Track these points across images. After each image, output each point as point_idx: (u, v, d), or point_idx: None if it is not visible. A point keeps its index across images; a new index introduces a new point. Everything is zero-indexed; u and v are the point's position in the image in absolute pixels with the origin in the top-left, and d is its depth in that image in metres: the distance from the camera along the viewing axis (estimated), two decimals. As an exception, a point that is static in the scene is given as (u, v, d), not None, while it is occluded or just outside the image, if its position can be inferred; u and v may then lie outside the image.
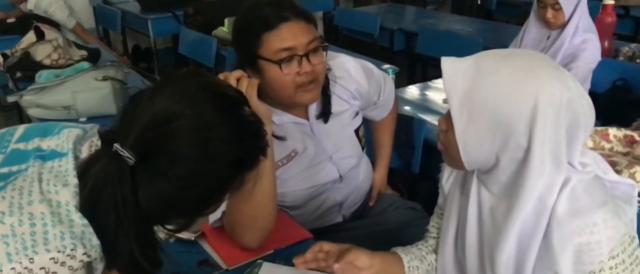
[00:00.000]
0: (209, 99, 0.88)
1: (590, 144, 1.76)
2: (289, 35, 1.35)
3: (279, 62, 1.35)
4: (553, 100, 0.92)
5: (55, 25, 3.62)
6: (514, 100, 0.93)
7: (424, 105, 2.41)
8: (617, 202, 0.99)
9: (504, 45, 2.65)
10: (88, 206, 0.84)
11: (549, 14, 2.28)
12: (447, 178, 1.21)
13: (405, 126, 1.98)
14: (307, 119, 1.53)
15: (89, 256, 0.82)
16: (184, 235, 1.39)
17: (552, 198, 0.97)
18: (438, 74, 3.08)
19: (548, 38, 2.37)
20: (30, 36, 2.83)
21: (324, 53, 1.42)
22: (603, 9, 2.70)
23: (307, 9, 1.43)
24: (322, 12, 5.26)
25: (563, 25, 2.29)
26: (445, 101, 2.40)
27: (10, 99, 2.36)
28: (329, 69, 1.53)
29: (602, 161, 1.06)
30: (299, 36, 1.36)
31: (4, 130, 0.96)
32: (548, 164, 0.95)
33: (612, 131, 1.78)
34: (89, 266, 0.85)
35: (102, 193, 0.84)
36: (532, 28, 2.44)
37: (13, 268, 0.78)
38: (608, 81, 2.40)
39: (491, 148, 0.98)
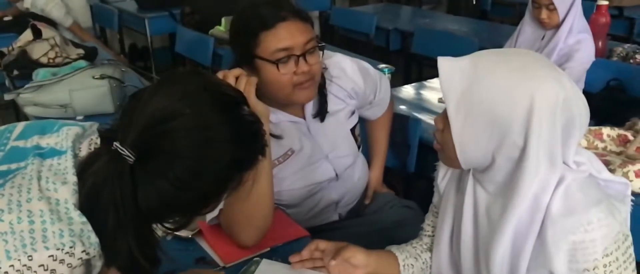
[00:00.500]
0: (209, 98, 0.89)
1: (584, 143, 1.77)
2: (286, 35, 1.36)
3: (276, 62, 1.36)
4: (549, 99, 0.93)
5: (52, 23, 3.62)
6: (510, 99, 0.94)
7: (419, 104, 2.43)
8: (611, 201, 1.01)
9: (499, 45, 2.66)
10: (87, 204, 0.85)
11: (544, 14, 2.29)
12: (443, 177, 1.22)
13: (401, 125, 1.99)
14: (304, 118, 1.54)
15: (87, 253, 0.83)
16: (181, 233, 1.39)
17: (546, 197, 0.98)
18: (433, 74, 3.10)
19: (543, 38, 2.39)
20: (27, 34, 2.82)
21: (321, 53, 1.43)
22: (597, 10, 2.71)
23: (304, 9, 1.44)
24: (318, 11, 5.26)
25: (557, 26, 2.31)
26: (440, 100, 2.44)
27: (7, 97, 2.35)
28: (325, 68, 1.54)
29: (596, 160, 1.07)
30: (296, 36, 1.37)
31: (2, 127, 0.96)
32: (543, 163, 0.96)
33: (606, 131, 1.80)
34: (87, 264, 0.85)
35: (101, 191, 0.84)
36: (526, 28, 2.45)
37: (12, 265, 0.79)
38: (602, 81, 2.41)
39: (487, 147, 0.99)
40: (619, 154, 1.75)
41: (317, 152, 1.56)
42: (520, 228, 1.01)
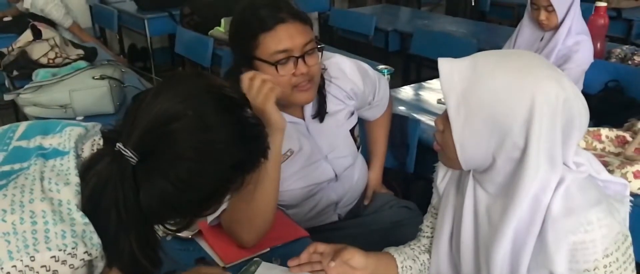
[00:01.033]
0: (212, 101, 0.89)
1: (583, 144, 1.78)
2: (285, 37, 1.36)
3: (275, 64, 1.36)
4: (549, 100, 0.93)
5: (51, 24, 3.62)
6: (510, 100, 0.94)
7: (418, 105, 2.43)
8: (610, 202, 1.01)
9: (498, 46, 2.67)
10: (90, 204, 0.85)
11: (542, 15, 2.30)
12: (442, 178, 1.22)
13: (400, 126, 2.00)
14: (303, 118, 1.54)
15: (89, 254, 0.84)
16: (181, 233, 1.40)
17: (546, 197, 0.98)
18: (432, 75, 3.11)
19: (541, 39, 2.39)
20: (27, 35, 2.83)
21: (320, 54, 1.44)
22: (595, 11, 2.72)
23: (303, 10, 1.44)
24: (317, 12, 5.27)
25: (556, 27, 2.31)
26: (439, 101, 2.45)
27: (7, 97, 2.35)
28: (324, 69, 1.54)
29: (595, 161, 1.07)
30: (295, 37, 1.37)
31: (5, 127, 0.97)
32: (543, 164, 0.96)
33: (604, 132, 1.80)
34: (89, 265, 0.86)
35: (103, 192, 0.85)
36: (525, 29, 2.46)
37: (14, 266, 0.79)
38: (600, 82, 2.42)
39: (487, 148, 0.99)
40: (617, 155, 1.76)
41: (317, 153, 1.57)
42: (521, 229, 1.01)
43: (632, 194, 1.12)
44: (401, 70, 3.97)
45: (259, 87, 1.26)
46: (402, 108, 2.35)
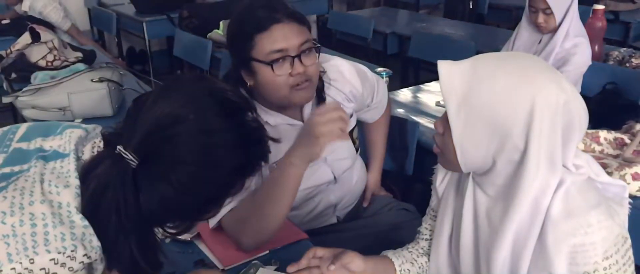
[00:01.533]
0: (213, 104, 0.89)
1: (581, 146, 1.78)
2: (280, 37, 1.36)
3: (271, 63, 1.36)
4: (549, 103, 0.93)
5: (50, 26, 3.62)
6: (511, 103, 0.94)
7: (417, 108, 2.43)
8: (610, 204, 1.01)
9: (496, 49, 2.68)
10: (90, 207, 0.85)
11: (541, 18, 2.30)
12: (441, 180, 1.22)
13: (399, 129, 2.00)
14: (302, 120, 1.54)
15: (89, 257, 0.83)
16: (180, 236, 1.40)
17: (546, 200, 0.98)
18: (431, 78, 3.12)
19: (539, 42, 2.40)
20: (26, 37, 2.83)
21: (317, 54, 1.44)
22: (593, 14, 2.73)
23: (301, 12, 1.44)
24: (315, 15, 5.27)
25: (554, 30, 2.32)
26: (438, 104, 2.45)
27: (5, 100, 2.35)
28: (323, 72, 1.55)
29: (595, 163, 1.07)
30: (291, 38, 1.37)
31: (5, 128, 0.96)
32: (543, 166, 0.96)
33: (603, 134, 1.81)
34: (89, 267, 0.85)
35: (104, 195, 0.85)
36: (523, 32, 2.46)
37: (13, 268, 0.79)
38: (598, 84, 2.42)
39: (488, 151, 0.99)
40: (615, 157, 1.76)
41: (315, 156, 1.56)
42: (521, 231, 1.01)
43: (631, 196, 1.12)
44: (399, 73, 3.97)
45: (334, 118, 1.24)
46: (400, 111, 2.36)
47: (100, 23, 5.03)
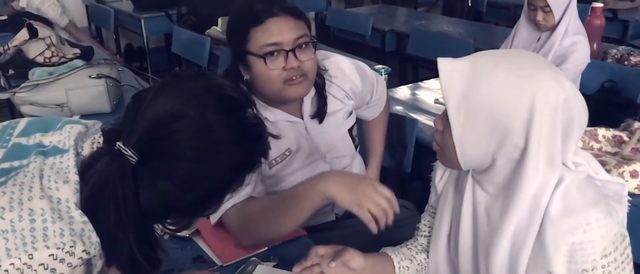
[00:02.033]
0: (213, 101, 0.89)
1: (580, 144, 1.78)
2: (275, 31, 1.36)
3: (264, 56, 1.36)
4: (549, 100, 0.93)
5: (48, 23, 3.61)
6: (511, 101, 0.94)
7: (415, 105, 2.43)
8: (609, 202, 1.01)
9: (495, 46, 2.68)
10: (89, 203, 0.85)
11: (539, 16, 2.31)
12: (440, 177, 1.22)
13: (397, 126, 2.00)
14: (302, 118, 1.54)
15: (88, 253, 0.83)
16: (179, 232, 1.40)
17: (545, 198, 0.98)
18: (429, 75, 3.12)
19: (538, 40, 2.40)
20: (23, 34, 2.82)
21: (314, 50, 1.43)
22: (592, 12, 2.73)
23: (298, 7, 1.44)
24: (314, 12, 5.27)
25: (553, 28, 2.32)
26: (437, 101, 2.45)
27: (3, 96, 2.34)
28: (325, 70, 1.55)
29: (594, 161, 1.07)
30: (286, 32, 1.37)
31: (5, 123, 0.96)
32: (543, 164, 0.96)
33: (601, 132, 1.81)
34: (88, 263, 0.85)
35: (103, 191, 0.84)
36: (522, 30, 2.47)
37: (12, 264, 0.79)
38: (597, 82, 2.43)
39: (487, 148, 0.99)
40: (614, 154, 1.76)
41: (315, 153, 1.56)
42: (520, 229, 1.01)
43: (629, 194, 1.12)
44: (398, 70, 3.97)
45: (384, 205, 1.20)
46: (399, 108, 2.36)
47: (98, 20, 5.02)
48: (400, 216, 1.70)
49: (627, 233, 1.02)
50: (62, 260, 0.81)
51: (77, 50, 2.85)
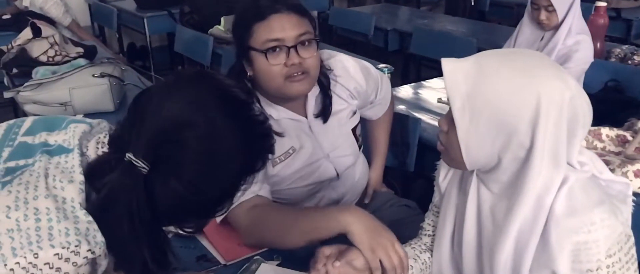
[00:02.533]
0: (220, 105, 0.89)
1: (583, 143, 1.78)
2: (277, 27, 1.37)
3: (265, 52, 1.37)
4: (555, 99, 0.93)
5: (51, 22, 3.61)
6: (516, 100, 0.94)
7: (418, 104, 2.43)
8: (613, 202, 1.01)
9: (498, 45, 2.68)
10: (102, 215, 0.85)
11: (543, 15, 2.30)
12: (444, 177, 1.22)
13: (400, 125, 2.00)
14: (306, 116, 1.54)
15: (93, 252, 0.83)
16: (172, 228, 1.40)
17: (550, 197, 0.98)
18: (432, 74, 3.12)
19: (541, 39, 2.40)
20: (27, 32, 2.82)
21: (316, 47, 1.43)
22: (595, 11, 2.73)
23: (302, 4, 1.44)
24: (316, 11, 5.26)
25: (556, 27, 2.32)
26: (440, 100, 2.44)
27: (7, 94, 2.35)
28: (330, 70, 1.55)
29: (598, 160, 1.07)
30: (288, 29, 1.37)
31: (11, 122, 0.97)
32: (548, 163, 0.96)
33: (605, 131, 1.81)
34: (93, 263, 0.86)
35: (116, 203, 0.85)
36: (525, 29, 2.46)
37: (18, 263, 0.79)
38: (600, 81, 2.42)
39: (493, 148, 0.99)
40: (618, 154, 1.76)
41: (318, 152, 1.56)
42: (524, 228, 1.01)
43: (633, 194, 1.12)
44: (400, 69, 3.97)
45: (396, 263, 1.18)
46: (402, 107, 2.36)
47: (101, 18, 5.03)
48: (404, 215, 1.72)
49: (631, 233, 1.01)
50: (67, 259, 0.81)
51: (80, 49, 2.86)
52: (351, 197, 1.71)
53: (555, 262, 0.98)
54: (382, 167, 1.87)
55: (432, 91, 2.58)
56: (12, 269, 0.79)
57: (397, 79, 3.57)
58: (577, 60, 2.28)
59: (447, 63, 0.99)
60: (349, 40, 4.40)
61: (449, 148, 1.05)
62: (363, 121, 1.77)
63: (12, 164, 0.87)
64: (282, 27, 1.37)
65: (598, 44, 2.64)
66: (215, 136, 0.87)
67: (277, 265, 1.33)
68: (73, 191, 0.85)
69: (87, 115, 2.24)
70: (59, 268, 0.81)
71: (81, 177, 0.86)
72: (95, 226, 0.84)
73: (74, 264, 0.82)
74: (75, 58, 2.71)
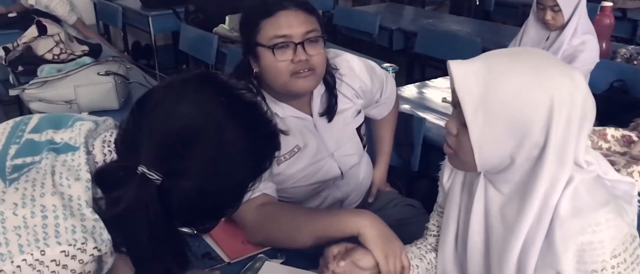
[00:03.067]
0: (227, 109, 0.89)
1: (589, 143, 1.78)
2: (285, 23, 1.38)
3: (273, 47, 1.37)
4: (565, 97, 0.93)
5: (56, 20, 3.62)
6: (530, 99, 0.94)
7: (423, 104, 2.43)
8: (619, 202, 1.00)
9: (503, 45, 2.67)
10: (120, 227, 0.87)
11: (549, 15, 2.30)
12: (448, 177, 1.21)
13: (405, 125, 2.00)
14: (311, 115, 1.54)
15: (99, 250, 0.84)
16: (186, 229, 1.40)
17: (555, 196, 0.98)
18: (436, 74, 3.11)
19: (547, 39, 2.39)
20: (32, 30, 2.83)
21: (323, 45, 1.43)
22: (601, 11, 2.72)
23: (310, 2, 1.45)
24: (321, 11, 5.26)
25: (562, 27, 2.31)
26: (444, 100, 2.44)
27: (12, 92, 2.36)
28: (336, 69, 1.55)
29: (603, 160, 1.07)
30: (296, 26, 1.38)
31: (18, 119, 0.97)
32: (558, 161, 0.96)
33: (610, 131, 1.80)
34: (99, 260, 0.86)
35: (135, 216, 0.86)
36: (531, 29, 2.45)
37: (24, 259, 0.80)
38: (605, 82, 2.42)
39: (506, 149, 0.98)
40: (623, 154, 1.76)
41: (323, 150, 1.56)
42: (530, 228, 1.01)
43: (639, 194, 1.11)
44: (405, 69, 3.97)
45: (397, 256, 1.21)
46: (406, 107, 2.35)
47: (106, 17, 5.04)
48: (408, 214, 1.72)
49: (637, 234, 1.01)
50: (73, 257, 0.82)
51: (86, 48, 2.86)
52: (355, 196, 1.71)
53: (560, 262, 0.98)
54: (387, 166, 1.87)
55: (436, 90, 2.58)
56: (18, 266, 0.79)
57: (402, 79, 3.57)
58: (583, 61, 2.27)
59: (455, 66, 0.98)
60: (354, 39, 4.40)
61: (459, 151, 1.03)
62: (368, 120, 1.77)
63: (19, 161, 0.88)
64: (290, 23, 1.38)
65: (604, 44, 2.63)
66: (225, 141, 0.88)
67: (281, 263, 1.34)
68: (79, 189, 0.85)
69: (92, 113, 2.24)
70: (66, 265, 0.82)
71: (87, 176, 0.87)
72: (101, 223, 0.85)
73: (80, 261, 0.83)
74: (80, 56, 2.71)
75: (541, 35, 2.41)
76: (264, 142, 0.95)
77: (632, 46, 2.88)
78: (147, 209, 0.85)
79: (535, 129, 0.95)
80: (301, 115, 1.52)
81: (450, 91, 1.03)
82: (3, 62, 2.80)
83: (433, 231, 1.32)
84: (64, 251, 0.81)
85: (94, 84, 2.28)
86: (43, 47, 2.71)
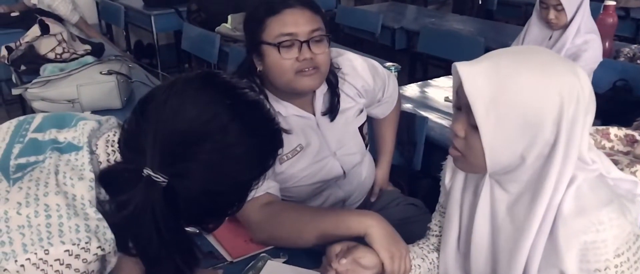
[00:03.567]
0: (231, 109, 0.89)
1: (591, 142, 1.77)
2: (290, 21, 1.38)
3: (278, 45, 1.37)
4: (573, 94, 0.93)
5: (59, 19, 3.63)
6: (541, 99, 0.93)
7: (425, 103, 2.43)
8: (622, 201, 1.00)
9: (506, 44, 2.66)
10: (129, 231, 0.87)
11: (552, 14, 2.29)
12: (450, 177, 1.20)
13: (407, 124, 2.00)
14: (313, 114, 1.54)
15: (103, 249, 0.84)
16: (188, 228, 1.41)
17: (558, 195, 0.97)
18: (439, 73, 3.11)
19: (550, 38, 2.39)
20: (35, 30, 2.84)
21: (328, 44, 1.43)
22: (604, 10, 2.71)
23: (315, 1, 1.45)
24: (324, 10, 5.25)
25: (565, 26, 2.31)
26: (447, 99, 2.44)
27: (15, 91, 2.37)
28: (338, 68, 1.55)
29: (606, 159, 1.07)
30: (301, 24, 1.38)
31: (21, 118, 0.97)
32: (566, 158, 0.96)
33: (613, 130, 1.80)
34: (102, 260, 0.86)
35: (143, 218, 0.86)
36: (534, 28, 2.45)
37: (28, 259, 0.80)
38: (608, 81, 2.42)
39: (518, 149, 0.97)
40: (626, 153, 1.75)
41: (325, 150, 1.56)
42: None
43: (642, 193, 1.11)
44: (407, 68, 3.97)
45: (402, 257, 1.22)
46: (408, 106, 2.35)
47: (109, 16, 5.04)
48: (410, 214, 1.72)
49: (640, 233, 1.01)
50: (77, 256, 0.82)
51: (88, 47, 2.87)
52: (357, 195, 1.71)
53: (563, 261, 0.98)
54: (389, 165, 1.87)
55: (439, 89, 2.58)
56: (22, 265, 0.79)
57: (404, 78, 3.57)
58: (586, 60, 2.27)
59: (462, 67, 0.97)
60: (356, 38, 4.40)
61: (467, 154, 1.02)
62: (370, 119, 1.77)
63: (22, 160, 0.88)
64: (296, 22, 1.38)
65: (607, 44, 2.63)
66: (229, 141, 0.88)
67: (284, 262, 1.34)
68: (83, 189, 0.85)
69: (94, 112, 2.24)
70: (69, 265, 0.82)
71: (91, 175, 0.87)
72: (105, 223, 0.85)
73: (84, 260, 0.83)
74: (82, 55, 2.73)
75: (544, 34, 2.41)
76: (268, 140, 0.95)
77: (635, 45, 2.87)
78: (154, 211, 0.86)
79: (547, 127, 0.94)
80: (304, 114, 1.52)
81: (452, 90, 1.02)
82: (6, 62, 2.81)
83: (435, 231, 1.31)
84: (68, 251, 0.81)
85: (96, 83, 2.28)
86: (46, 46, 2.72)
